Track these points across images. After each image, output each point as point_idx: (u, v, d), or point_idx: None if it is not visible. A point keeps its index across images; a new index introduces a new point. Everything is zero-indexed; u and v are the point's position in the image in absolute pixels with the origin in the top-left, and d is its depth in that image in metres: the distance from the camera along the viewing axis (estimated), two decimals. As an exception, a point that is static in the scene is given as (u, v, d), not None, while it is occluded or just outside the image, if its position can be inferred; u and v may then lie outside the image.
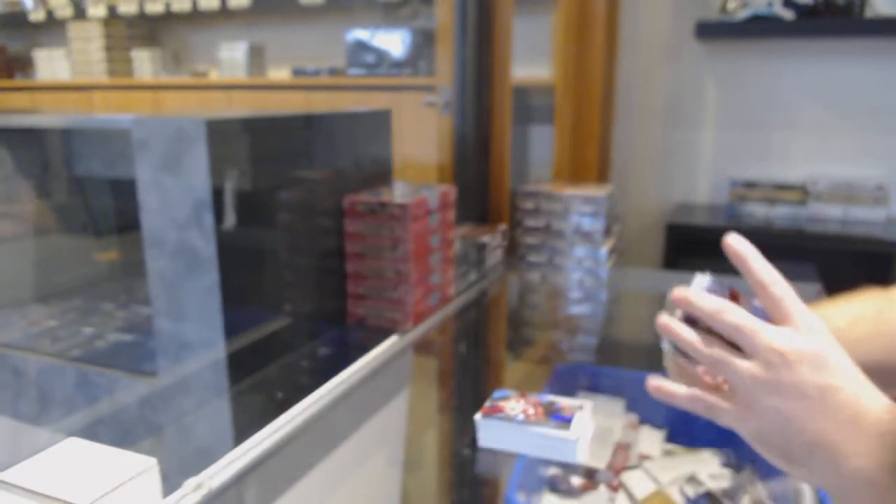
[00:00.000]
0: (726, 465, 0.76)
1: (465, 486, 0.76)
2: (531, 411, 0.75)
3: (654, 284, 1.49)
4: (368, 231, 1.06)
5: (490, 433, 0.76)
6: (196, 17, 3.25)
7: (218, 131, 0.82)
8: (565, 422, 0.74)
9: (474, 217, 1.65)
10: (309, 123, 1.02)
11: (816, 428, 0.43)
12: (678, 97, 2.39)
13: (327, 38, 3.00)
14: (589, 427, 0.76)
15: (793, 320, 0.46)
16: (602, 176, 2.33)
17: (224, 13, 3.09)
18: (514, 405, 0.77)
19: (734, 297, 0.49)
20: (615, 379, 0.88)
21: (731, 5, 2.08)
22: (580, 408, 0.75)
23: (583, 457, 0.72)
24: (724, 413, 0.47)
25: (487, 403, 0.77)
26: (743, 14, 2.05)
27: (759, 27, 2.07)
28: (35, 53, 3.59)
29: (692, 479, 0.73)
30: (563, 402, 0.77)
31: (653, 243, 2.49)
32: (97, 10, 3.31)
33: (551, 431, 0.72)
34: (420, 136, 2.18)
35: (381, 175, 1.20)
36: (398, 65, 2.61)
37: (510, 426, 0.72)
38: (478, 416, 0.75)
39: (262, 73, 3.09)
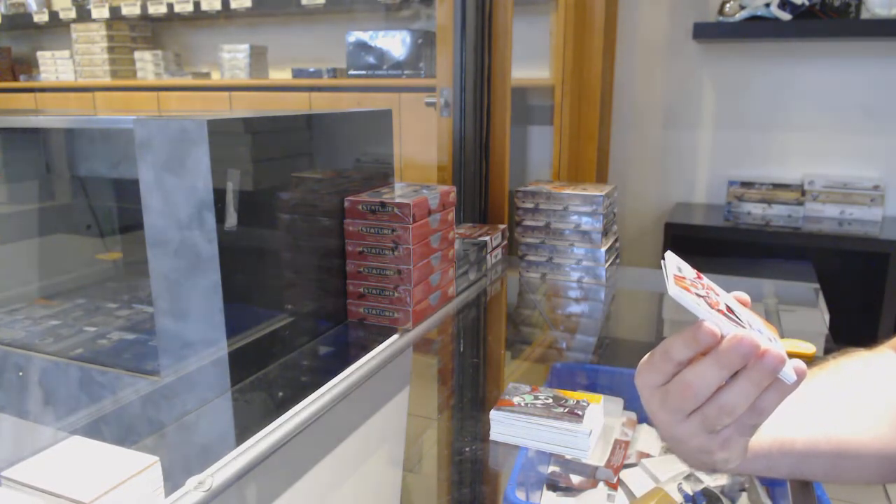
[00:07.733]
0: (723, 462, 0.77)
1: (464, 485, 0.77)
2: (543, 405, 0.76)
3: (652, 284, 1.50)
4: (369, 231, 1.07)
5: (502, 427, 0.77)
6: (198, 18, 3.26)
7: (220, 131, 0.83)
8: (577, 415, 0.75)
9: (474, 217, 1.66)
10: (310, 123, 1.03)
11: None
12: (676, 98, 2.40)
13: (328, 40, 3.01)
14: (599, 421, 0.77)
15: None
16: (601, 176, 2.34)
17: (226, 15, 3.10)
18: (527, 399, 0.78)
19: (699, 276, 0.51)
20: (613, 377, 0.89)
21: (728, 6, 2.08)
22: (590, 402, 0.76)
23: (592, 451, 0.72)
24: None
25: (504, 396, 0.79)
26: (740, 15, 2.06)
27: (756, 28, 2.07)
28: (39, 55, 3.60)
29: (690, 477, 0.73)
30: (575, 395, 0.78)
31: (651, 243, 2.50)
32: (100, 12, 3.32)
33: (564, 424, 0.73)
34: (420, 137, 2.19)
35: (382, 175, 1.20)
36: (398, 66, 2.61)
37: (522, 419, 0.73)
38: (493, 411, 0.76)
39: (263, 74, 3.10)
